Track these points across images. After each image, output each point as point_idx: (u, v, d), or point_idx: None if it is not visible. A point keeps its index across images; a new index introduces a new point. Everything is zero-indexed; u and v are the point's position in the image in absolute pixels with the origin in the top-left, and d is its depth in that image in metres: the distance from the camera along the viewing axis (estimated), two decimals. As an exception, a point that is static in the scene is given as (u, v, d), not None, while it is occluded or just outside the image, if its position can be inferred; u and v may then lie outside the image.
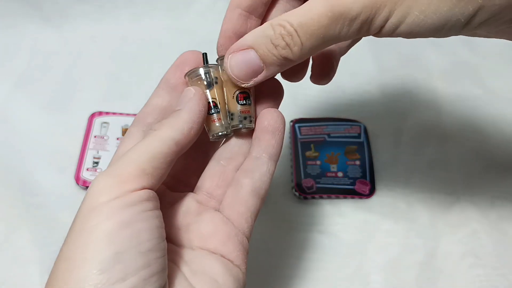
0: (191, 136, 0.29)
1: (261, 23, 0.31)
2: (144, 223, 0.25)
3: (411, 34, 0.25)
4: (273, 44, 0.27)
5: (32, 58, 0.60)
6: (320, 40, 0.26)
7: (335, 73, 0.34)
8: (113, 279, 0.23)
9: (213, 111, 0.31)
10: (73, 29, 0.62)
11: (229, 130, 0.32)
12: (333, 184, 0.51)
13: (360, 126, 0.55)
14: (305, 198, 0.50)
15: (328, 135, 0.54)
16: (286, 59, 0.27)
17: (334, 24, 0.25)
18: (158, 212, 0.26)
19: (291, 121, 0.55)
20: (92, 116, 0.55)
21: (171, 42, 0.62)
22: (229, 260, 0.29)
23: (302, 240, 0.48)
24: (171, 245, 0.29)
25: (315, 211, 0.50)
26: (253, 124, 0.32)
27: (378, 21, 0.25)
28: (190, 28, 0.63)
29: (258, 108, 0.32)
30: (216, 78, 0.31)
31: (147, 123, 0.31)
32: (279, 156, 0.31)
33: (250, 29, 0.31)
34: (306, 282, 0.46)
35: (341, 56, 0.35)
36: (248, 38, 0.28)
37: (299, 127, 0.54)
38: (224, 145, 0.33)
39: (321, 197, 0.50)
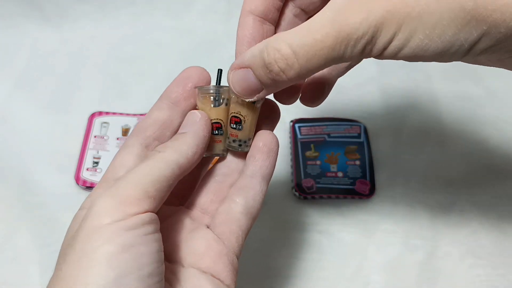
0: (194, 160, 0.29)
1: (275, 30, 0.32)
2: (145, 246, 0.25)
3: (414, 57, 0.25)
4: (267, 68, 0.26)
5: (32, 58, 0.60)
6: (322, 61, 0.25)
7: (326, 96, 0.34)
8: None
9: (217, 132, 0.31)
10: (73, 29, 0.62)
11: (225, 153, 0.33)
12: (333, 184, 0.51)
13: (360, 126, 0.55)
14: (305, 198, 0.50)
15: (328, 135, 0.54)
16: (281, 82, 0.27)
17: (339, 45, 0.24)
18: (158, 235, 0.26)
19: (291, 121, 0.55)
20: (92, 116, 0.55)
21: (171, 42, 0.62)
22: (219, 279, 0.29)
23: (302, 240, 0.48)
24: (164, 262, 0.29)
25: (315, 211, 0.50)
26: (245, 148, 0.32)
27: (381, 43, 0.24)
28: (190, 28, 0.63)
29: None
30: (228, 99, 0.31)
31: (146, 135, 0.31)
32: (271, 177, 0.32)
33: (267, 34, 0.31)
34: (306, 282, 0.46)
35: (337, 79, 0.34)
36: (246, 57, 0.28)
37: (299, 127, 0.54)
38: (220, 161, 0.33)
39: (321, 197, 0.50)
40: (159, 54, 0.61)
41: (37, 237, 0.47)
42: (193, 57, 0.61)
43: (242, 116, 0.31)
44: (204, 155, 0.32)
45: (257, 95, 0.29)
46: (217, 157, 0.34)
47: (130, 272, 0.24)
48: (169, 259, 0.30)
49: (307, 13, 0.32)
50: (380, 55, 0.25)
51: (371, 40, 0.24)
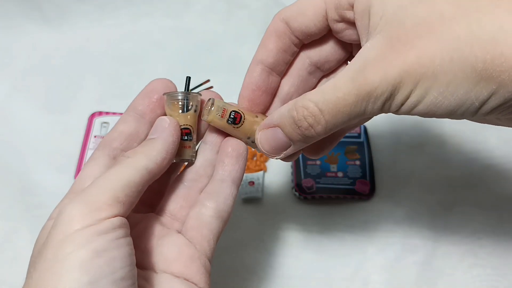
0: (163, 166, 0.30)
1: (280, 80, 0.33)
2: (117, 251, 0.25)
3: (427, 114, 0.26)
4: (296, 125, 0.28)
5: (32, 58, 0.60)
6: (345, 117, 0.27)
7: (330, 149, 0.35)
8: None
9: (186, 137, 0.32)
10: (73, 29, 0.62)
11: (194, 158, 0.33)
12: (333, 184, 0.51)
13: (360, 126, 0.55)
14: (305, 198, 0.50)
15: (328, 135, 0.54)
16: (310, 137, 0.28)
17: (360, 102, 0.26)
18: (130, 239, 0.27)
19: (291, 121, 0.55)
20: (92, 116, 0.55)
21: (171, 42, 0.62)
22: (192, 283, 0.29)
23: (302, 240, 0.48)
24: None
25: (315, 211, 0.50)
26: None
27: (399, 99, 0.26)
28: (190, 28, 0.63)
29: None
30: (196, 106, 0.32)
31: (112, 147, 0.32)
32: (241, 181, 0.33)
33: (271, 85, 0.32)
34: (306, 282, 0.46)
35: (344, 134, 0.35)
36: (275, 117, 0.30)
37: (299, 127, 0.54)
38: (189, 167, 0.33)
39: (321, 197, 0.50)
40: (159, 54, 0.61)
41: (37, 237, 0.47)
42: (193, 57, 0.61)
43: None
44: (174, 160, 0.32)
45: (284, 152, 0.30)
46: (185, 163, 0.34)
47: (103, 276, 0.24)
48: (141, 265, 0.30)
49: (322, 71, 0.34)
50: (397, 111, 0.27)
51: (390, 97, 0.26)
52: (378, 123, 0.56)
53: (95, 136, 0.53)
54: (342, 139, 0.53)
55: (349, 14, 0.29)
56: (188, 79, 0.33)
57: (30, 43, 0.61)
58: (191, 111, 0.32)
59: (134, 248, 0.28)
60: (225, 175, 0.32)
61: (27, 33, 0.61)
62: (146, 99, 0.33)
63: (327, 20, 0.30)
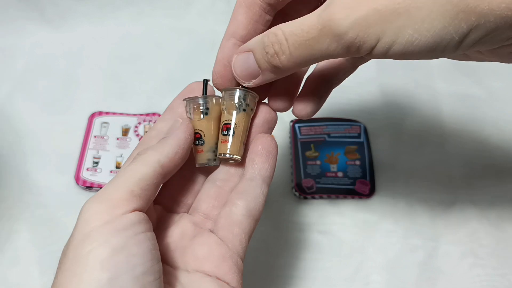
0: (176, 160, 0.30)
1: None
2: (137, 246, 0.25)
3: (404, 54, 0.25)
4: (264, 50, 0.28)
5: (32, 59, 0.60)
6: (308, 52, 0.26)
7: (320, 107, 0.34)
8: None
9: (197, 142, 0.32)
10: (73, 29, 0.62)
11: (212, 162, 0.33)
12: (333, 184, 0.51)
13: (360, 126, 0.55)
14: (305, 198, 0.50)
15: (328, 135, 0.54)
16: (275, 67, 0.28)
17: (323, 38, 0.25)
18: (151, 234, 0.27)
19: (291, 121, 0.55)
20: (92, 116, 0.55)
21: (171, 42, 0.62)
22: (224, 282, 0.29)
23: (302, 240, 0.48)
24: (167, 267, 0.29)
25: (315, 211, 0.50)
26: (235, 156, 0.32)
27: (368, 42, 0.25)
28: (190, 28, 0.63)
29: (252, 133, 0.33)
30: (208, 109, 0.32)
31: (150, 145, 0.32)
32: (271, 179, 0.32)
33: None
34: (306, 282, 0.46)
35: (333, 88, 0.34)
36: (251, 41, 0.29)
37: (299, 127, 0.54)
38: (220, 166, 0.34)
39: (321, 197, 0.50)
40: (159, 54, 0.61)
41: (37, 237, 0.47)
42: (193, 57, 0.61)
43: (234, 123, 0.32)
44: (196, 166, 0.33)
45: (253, 81, 0.30)
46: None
47: (123, 273, 0.24)
48: (174, 264, 0.30)
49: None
50: (369, 54, 0.25)
51: (356, 38, 0.25)
52: (378, 123, 0.56)
53: (95, 136, 0.53)
54: (342, 139, 0.54)
55: None
56: (205, 82, 0.33)
57: (30, 43, 0.61)
58: (201, 116, 0.32)
59: (167, 248, 0.29)
60: (255, 173, 0.31)
61: (27, 33, 0.61)
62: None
63: None
